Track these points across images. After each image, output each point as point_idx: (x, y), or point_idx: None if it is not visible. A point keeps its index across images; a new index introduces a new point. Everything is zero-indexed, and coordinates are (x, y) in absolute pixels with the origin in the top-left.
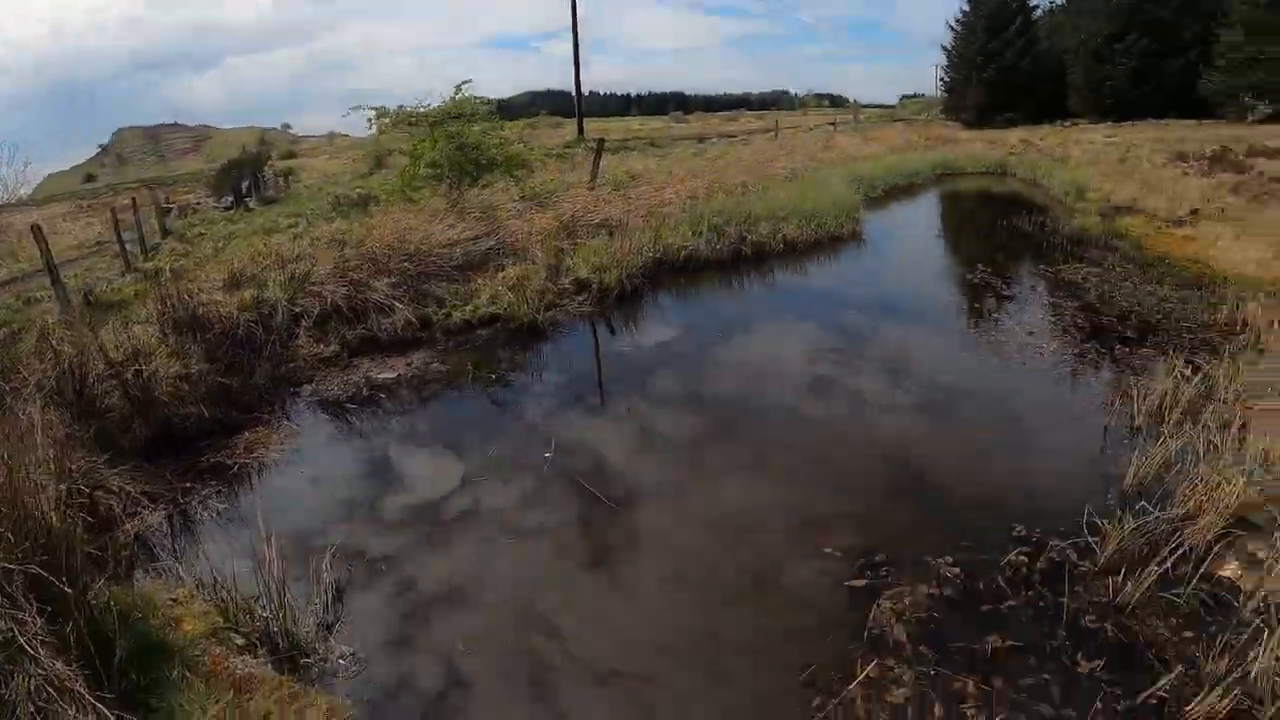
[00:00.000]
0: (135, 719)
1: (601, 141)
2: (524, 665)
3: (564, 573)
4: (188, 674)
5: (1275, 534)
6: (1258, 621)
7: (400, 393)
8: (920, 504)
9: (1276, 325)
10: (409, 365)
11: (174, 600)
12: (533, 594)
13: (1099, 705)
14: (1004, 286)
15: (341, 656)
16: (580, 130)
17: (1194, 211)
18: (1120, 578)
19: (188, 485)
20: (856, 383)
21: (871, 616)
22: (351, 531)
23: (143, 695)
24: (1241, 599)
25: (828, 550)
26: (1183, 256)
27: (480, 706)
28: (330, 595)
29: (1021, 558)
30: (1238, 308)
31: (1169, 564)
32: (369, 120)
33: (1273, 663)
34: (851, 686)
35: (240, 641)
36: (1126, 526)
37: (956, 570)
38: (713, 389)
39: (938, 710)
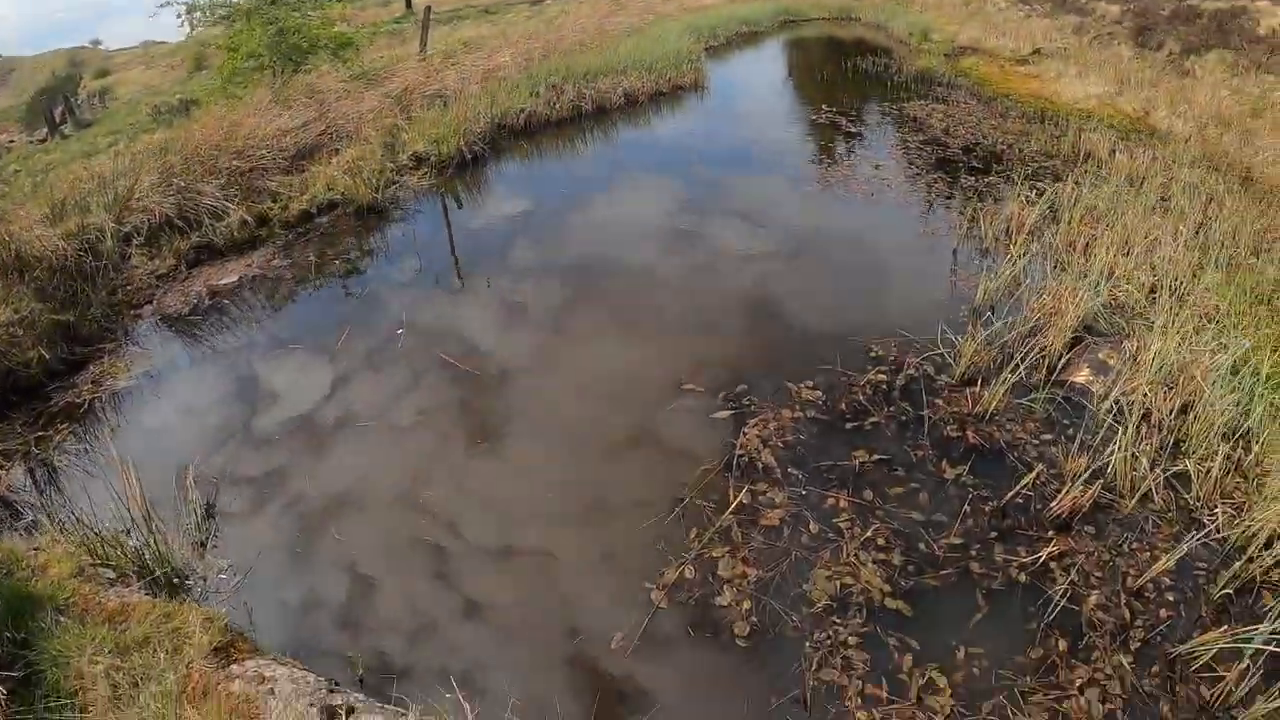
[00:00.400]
0: (15, 674)
1: (429, 9)
2: (418, 556)
3: (445, 456)
4: (61, 618)
5: (1122, 341)
6: (1110, 421)
7: (245, 296)
8: (778, 337)
9: (1116, 154)
10: (249, 266)
11: (36, 549)
12: (415, 483)
13: (967, 508)
14: (850, 125)
15: (221, 571)
16: (409, 4)
17: (1037, 51)
18: (977, 388)
19: (41, 434)
20: (710, 231)
21: (739, 446)
22: (215, 447)
23: (20, 651)
24: (1094, 402)
25: (689, 387)
26: (1026, 93)
27: (380, 603)
28: (200, 514)
29: (880, 376)
30: (1079, 138)
31: (1023, 372)
32: (180, 19)
33: (1129, 458)
34: (725, 515)
35: (111, 575)
36: (980, 339)
37: (818, 394)
38: (566, 252)
39: (813, 527)
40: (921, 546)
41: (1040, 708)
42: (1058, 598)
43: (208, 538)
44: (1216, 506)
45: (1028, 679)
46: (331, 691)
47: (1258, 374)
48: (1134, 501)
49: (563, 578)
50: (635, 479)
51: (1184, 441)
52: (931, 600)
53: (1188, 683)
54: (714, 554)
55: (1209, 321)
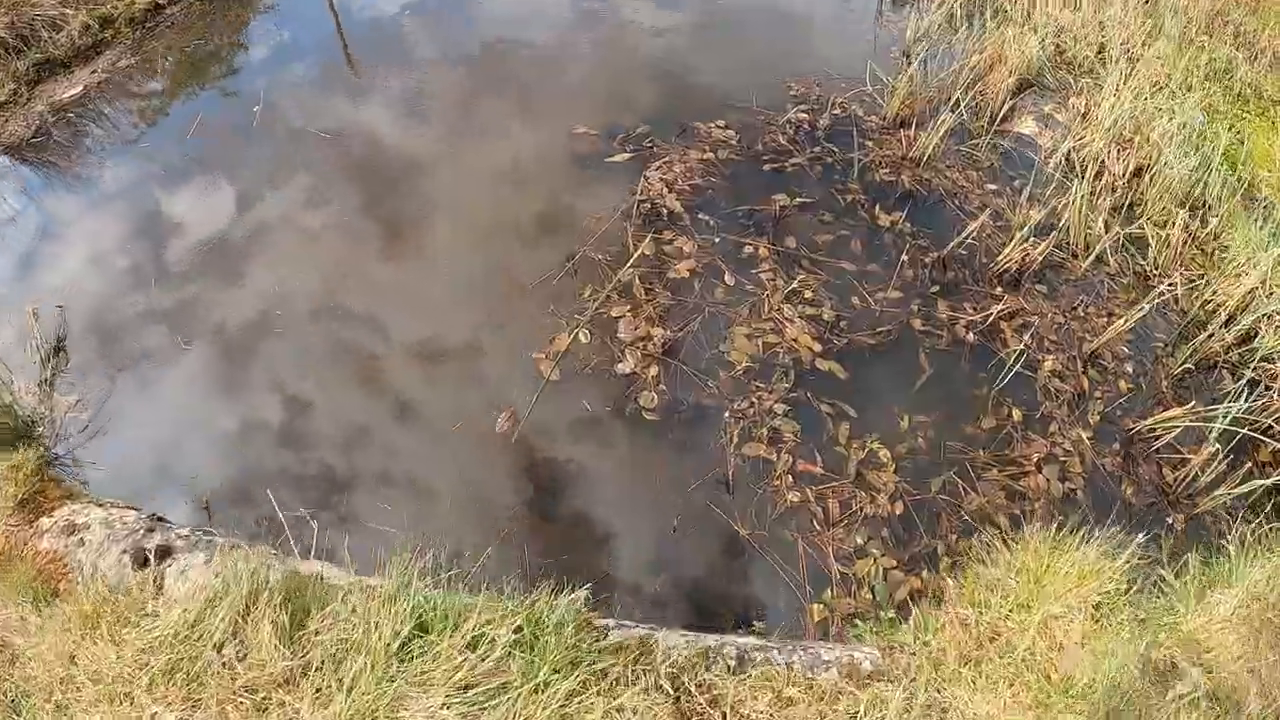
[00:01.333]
0: None
1: None
2: (345, 363)
3: (356, 260)
4: None
5: (1070, 98)
6: (1059, 177)
7: (93, 106)
8: (685, 80)
9: None
10: (95, 74)
11: None
12: (329, 292)
13: (905, 259)
14: None
15: (69, 409)
16: None
17: None
18: (912, 131)
19: None
20: (618, 6)
21: (640, 191)
22: (77, 277)
23: None
24: (1042, 155)
25: (582, 131)
26: None
27: (317, 418)
28: (46, 351)
29: (802, 116)
30: None
31: (963, 115)
32: None
33: (1082, 214)
34: (625, 269)
35: None
36: (916, 79)
37: (730, 133)
38: (460, 35)
39: (729, 279)
40: (855, 301)
41: (995, 485)
42: (1010, 361)
43: (55, 374)
44: (1175, 275)
45: (980, 452)
46: (150, 531)
47: (1215, 147)
48: (1087, 263)
49: (436, 359)
50: (517, 244)
51: (1139, 205)
52: (868, 361)
53: (1150, 463)
54: (613, 314)
55: (1161, 89)
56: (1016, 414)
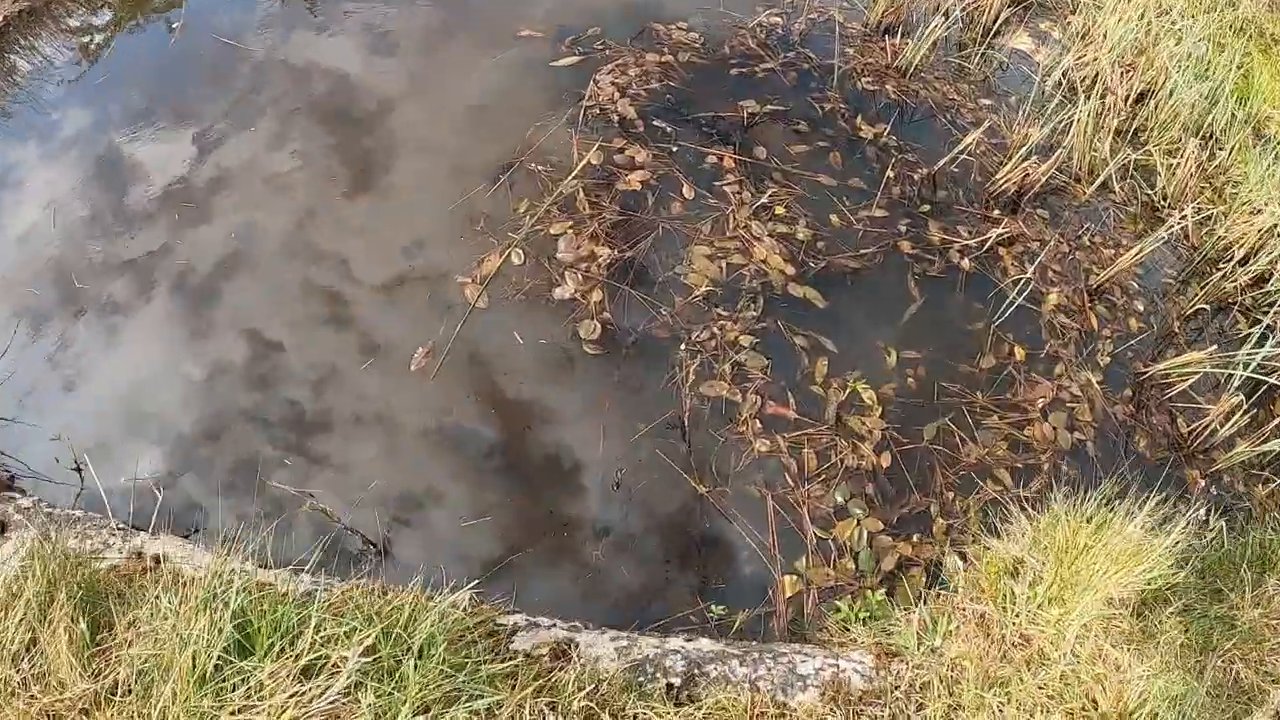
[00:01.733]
0: None
1: None
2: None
3: (321, 198)
4: None
5: (1067, 15)
6: (1059, 97)
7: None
8: None
9: None
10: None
11: None
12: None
13: (891, 174)
14: None
15: None
16: None
17: None
18: (898, 40)
19: None
20: None
21: (588, 96)
22: None
23: None
24: (1040, 73)
25: (527, 33)
26: None
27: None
28: None
29: (775, 19)
30: None
31: (955, 24)
32: None
33: (1086, 134)
34: (568, 180)
35: None
36: None
37: (693, 35)
38: None
39: (687, 192)
40: (834, 219)
41: (996, 434)
42: (1012, 293)
43: None
44: (1185, 208)
45: (979, 395)
46: None
47: (1224, 78)
48: (1092, 189)
49: (341, 288)
50: (444, 157)
51: (1143, 132)
52: (850, 288)
53: (1164, 413)
54: (552, 231)
55: (1165, 14)
56: (1019, 352)
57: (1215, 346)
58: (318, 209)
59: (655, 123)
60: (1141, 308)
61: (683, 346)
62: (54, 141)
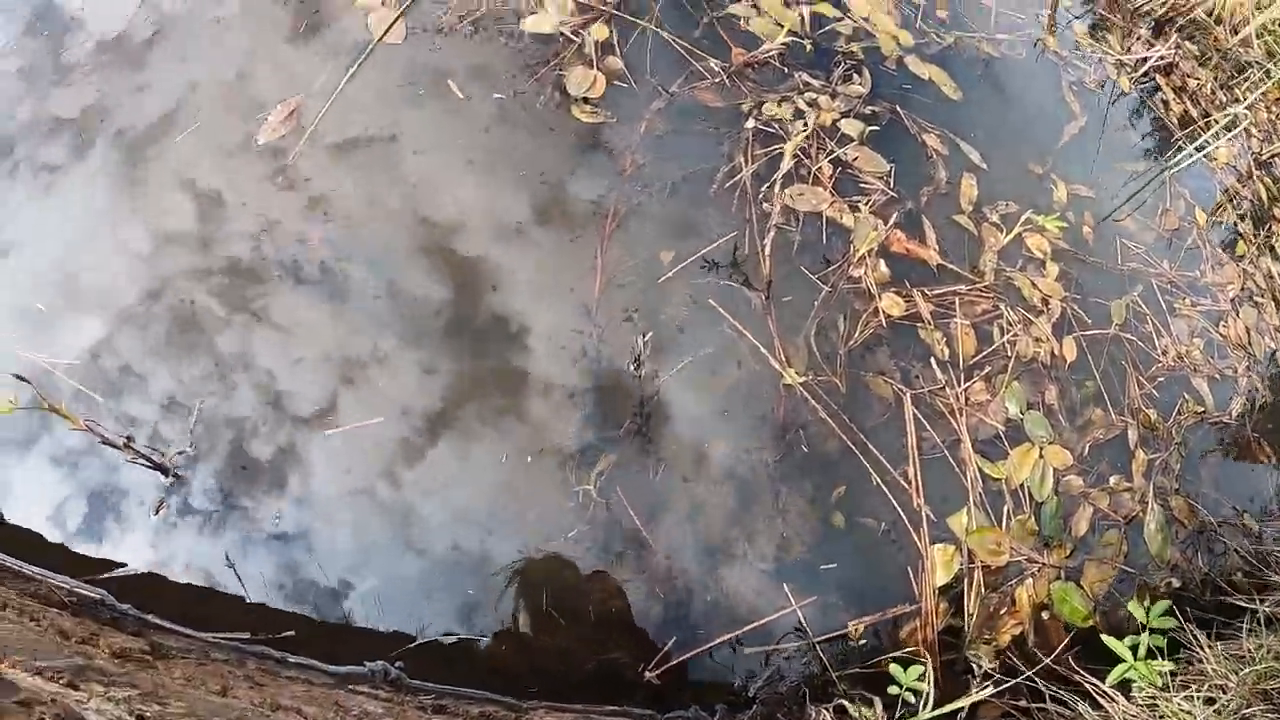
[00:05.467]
0: None
1: None
2: None
3: None
4: None
5: None
6: None
7: None
8: None
9: None
10: None
11: None
12: None
13: None
14: None
15: None
16: None
17: None
18: None
19: None
20: None
21: None
22: None
23: None
24: None
25: None
26: None
27: None
28: None
29: None
30: None
31: None
32: None
33: None
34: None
35: None
36: None
37: None
38: None
39: None
40: None
41: (1187, 325)
42: (1178, 134)
43: None
44: None
45: (1166, 265)
46: None
47: None
48: (1236, 39)
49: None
50: None
51: None
52: (988, 82)
53: None
54: None
55: None
56: (1201, 218)
57: None
58: None
59: None
60: None
61: (749, 122)
62: None
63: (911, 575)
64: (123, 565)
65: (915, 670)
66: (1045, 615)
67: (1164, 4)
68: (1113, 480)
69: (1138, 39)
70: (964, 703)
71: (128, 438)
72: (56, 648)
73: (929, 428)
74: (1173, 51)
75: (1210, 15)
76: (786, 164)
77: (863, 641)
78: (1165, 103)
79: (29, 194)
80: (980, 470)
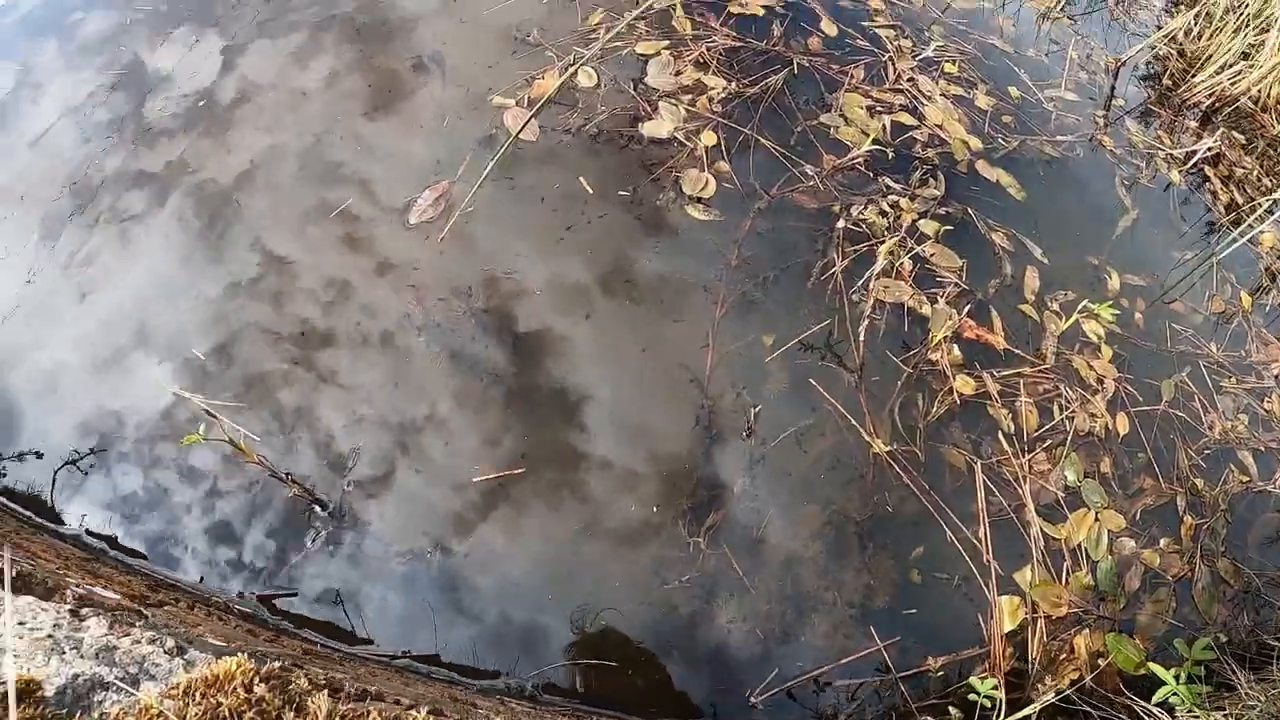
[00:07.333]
0: None
1: None
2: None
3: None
4: None
5: None
6: None
7: None
8: None
9: None
10: None
11: None
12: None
13: (1073, 54)
14: None
15: None
16: None
17: None
18: None
19: None
20: None
21: None
22: None
23: None
24: None
25: None
26: None
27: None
28: None
29: None
30: None
31: None
32: None
33: None
34: None
35: None
36: None
37: None
38: None
39: (826, 24)
40: (1013, 90)
41: (1233, 402)
42: (1223, 220)
43: None
44: None
45: (1212, 347)
46: None
47: None
48: None
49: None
50: None
51: None
52: (1049, 181)
53: None
54: (639, 50)
55: None
56: (1246, 300)
57: None
58: None
59: None
60: None
61: (840, 221)
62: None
63: (981, 622)
64: (292, 594)
65: (990, 681)
66: (1101, 662)
67: (1210, 95)
68: (1163, 543)
69: (1186, 130)
70: (1034, 709)
71: (288, 473)
72: (256, 644)
73: (997, 493)
74: (1220, 144)
75: (1256, 103)
76: (881, 263)
77: (940, 674)
78: (1213, 192)
79: (184, 250)
80: (1042, 531)
